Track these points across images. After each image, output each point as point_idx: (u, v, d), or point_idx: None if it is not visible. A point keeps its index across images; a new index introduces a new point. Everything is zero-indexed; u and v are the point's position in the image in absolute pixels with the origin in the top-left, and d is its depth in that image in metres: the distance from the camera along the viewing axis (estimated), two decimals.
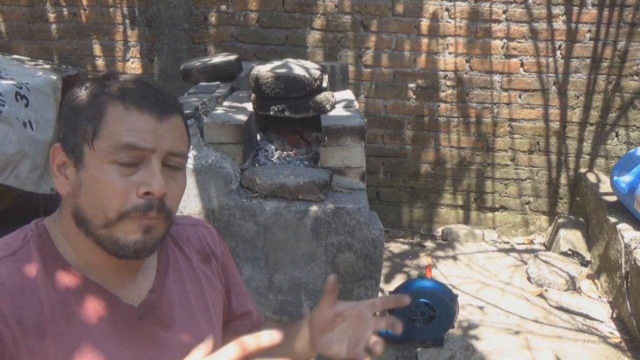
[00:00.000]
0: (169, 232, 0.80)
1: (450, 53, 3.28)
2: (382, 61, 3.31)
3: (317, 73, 2.04)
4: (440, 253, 3.30)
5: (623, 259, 2.61)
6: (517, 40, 3.24)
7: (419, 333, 2.34)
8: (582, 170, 3.44)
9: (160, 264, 0.84)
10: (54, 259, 0.73)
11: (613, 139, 3.39)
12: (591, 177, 3.33)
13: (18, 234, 0.75)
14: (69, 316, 0.71)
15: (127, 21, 3.33)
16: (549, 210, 3.54)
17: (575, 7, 3.16)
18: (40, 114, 2.45)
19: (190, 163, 1.86)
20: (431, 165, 3.50)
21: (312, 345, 0.85)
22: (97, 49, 3.40)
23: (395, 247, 3.38)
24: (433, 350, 2.36)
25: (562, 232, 3.20)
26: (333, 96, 2.20)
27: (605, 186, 3.16)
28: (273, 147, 2.15)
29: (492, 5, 3.18)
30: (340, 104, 2.25)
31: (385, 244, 2.13)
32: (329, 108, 2.11)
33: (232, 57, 2.55)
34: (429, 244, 3.44)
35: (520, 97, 3.34)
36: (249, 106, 2.11)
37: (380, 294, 2.54)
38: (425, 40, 3.26)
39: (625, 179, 2.71)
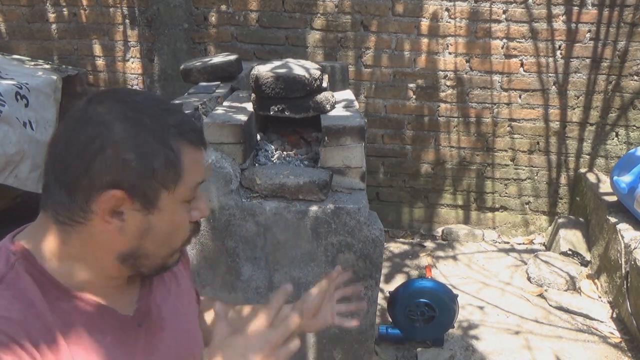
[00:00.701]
0: None
1: (450, 53, 3.28)
2: (382, 61, 3.31)
3: (317, 73, 2.04)
4: (440, 253, 3.30)
5: (623, 259, 2.61)
6: (517, 40, 3.24)
7: (419, 333, 2.34)
8: (582, 170, 3.44)
9: None
10: (46, 281, 0.69)
11: (613, 139, 3.39)
12: (591, 177, 3.33)
13: None
14: (77, 337, 0.69)
15: (127, 21, 3.33)
16: (549, 210, 3.54)
17: (575, 7, 3.16)
18: (40, 114, 2.45)
19: None
20: (431, 165, 3.50)
21: (303, 329, 1.04)
22: (97, 49, 3.40)
23: (395, 247, 3.38)
24: (433, 350, 2.36)
25: (562, 232, 3.20)
26: (333, 96, 2.20)
27: (605, 186, 3.16)
28: (273, 147, 2.15)
29: (492, 5, 3.18)
30: (340, 104, 2.25)
31: (385, 244, 2.13)
32: (329, 108, 2.11)
33: (232, 57, 2.55)
34: (429, 244, 3.44)
35: (520, 97, 3.34)
36: (249, 106, 2.11)
37: (380, 295, 2.54)
38: (425, 40, 3.26)
39: (625, 179, 2.71)
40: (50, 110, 2.52)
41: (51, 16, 3.35)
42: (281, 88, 1.97)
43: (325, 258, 1.91)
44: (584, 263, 3.10)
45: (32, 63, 2.87)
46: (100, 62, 3.43)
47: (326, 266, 1.92)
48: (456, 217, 3.59)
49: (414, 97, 3.37)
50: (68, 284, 0.71)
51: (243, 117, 1.95)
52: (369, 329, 1.97)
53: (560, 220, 3.31)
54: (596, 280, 2.95)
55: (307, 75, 1.98)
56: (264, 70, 2.01)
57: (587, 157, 3.44)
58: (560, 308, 2.73)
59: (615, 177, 2.81)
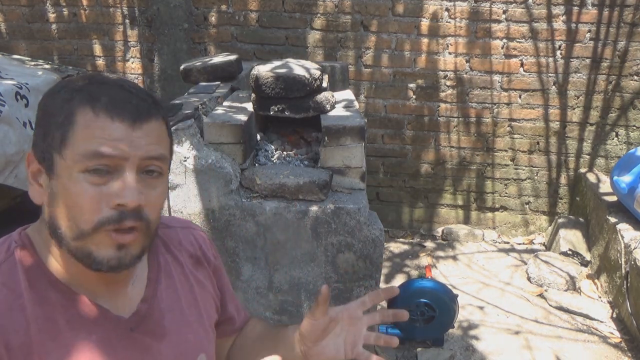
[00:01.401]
0: (158, 236, 0.77)
1: (450, 53, 3.28)
2: (382, 61, 3.31)
3: (317, 73, 2.04)
4: (440, 253, 3.30)
5: (623, 259, 2.61)
6: (517, 40, 3.24)
7: (419, 333, 2.34)
8: (582, 170, 3.44)
9: (151, 271, 0.81)
10: (39, 272, 0.69)
11: (613, 139, 3.39)
12: (591, 177, 3.33)
13: (1, 245, 0.71)
14: (55, 334, 0.68)
15: (127, 21, 3.33)
16: (549, 210, 3.54)
17: (575, 7, 3.16)
18: None
19: (190, 163, 1.86)
20: (431, 165, 3.50)
21: (306, 356, 0.86)
22: (97, 49, 3.40)
23: (395, 247, 3.38)
24: (433, 350, 2.36)
25: (562, 232, 3.20)
26: (333, 96, 2.20)
27: (605, 186, 3.16)
28: (273, 147, 2.15)
29: (492, 5, 3.18)
30: (340, 104, 2.25)
31: (385, 244, 2.13)
32: (329, 108, 2.11)
33: (232, 57, 2.55)
34: (429, 244, 3.44)
35: (520, 97, 3.34)
36: (249, 106, 2.11)
37: None
38: (425, 40, 3.26)
39: (625, 179, 2.71)
40: None
41: (51, 16, 3.35)
42: (281, 88, 1.97)
43: (325, 258, 1.91)
44: (584, 263, 3.10)
45: (32, 63, 2.87)
46: (100, 62, 3.43)
47: (326, 266, 1.92)
48: (456, 217, 3.59)
49: (414, 97, 3.37)
50: (64, 278, 0.71)
51: (243, 117, 1.95)
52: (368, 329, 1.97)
53: (560, 220, 3.31)
54: (596, 280, 2.95)
55: (307, 75, 1.98)
56: (264, 70, 2.01)
57: (587, 157, 3.44)
58: (560, 308, 2.73)
59: (615, 177, 2.81)
